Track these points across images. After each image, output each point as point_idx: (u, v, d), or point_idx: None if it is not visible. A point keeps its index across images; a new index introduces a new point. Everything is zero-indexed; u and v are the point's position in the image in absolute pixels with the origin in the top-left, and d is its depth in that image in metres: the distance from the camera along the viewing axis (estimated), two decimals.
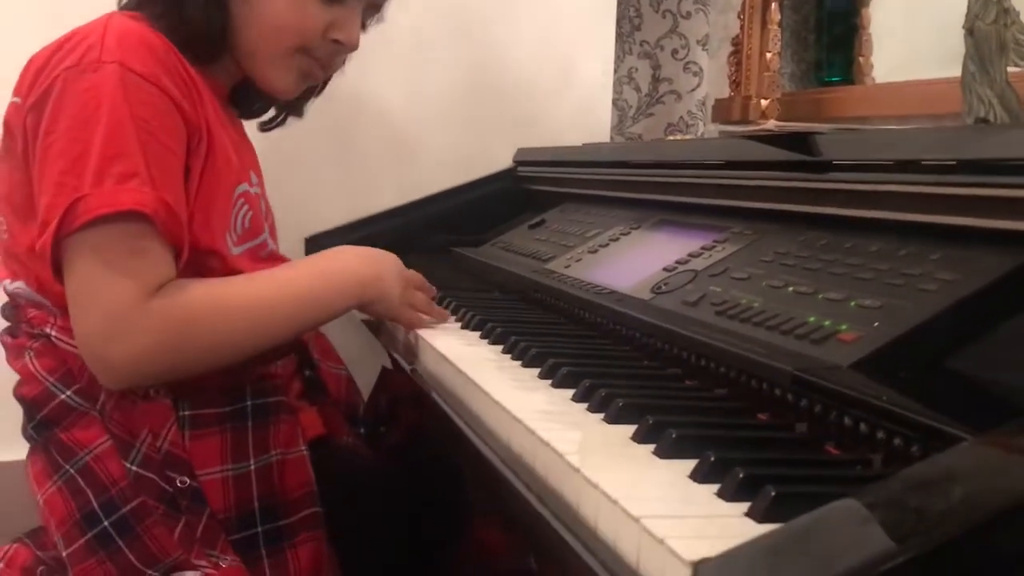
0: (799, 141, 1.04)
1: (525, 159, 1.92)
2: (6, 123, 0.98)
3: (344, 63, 1.16)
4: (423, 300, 1.12)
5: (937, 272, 0.77)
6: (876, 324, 0.76)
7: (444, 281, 1.42)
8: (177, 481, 0.94)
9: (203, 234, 0.97)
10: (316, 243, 1.82)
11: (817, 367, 0.70)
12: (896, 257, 0.84)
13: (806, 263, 0.93)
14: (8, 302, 1.03)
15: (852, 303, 0.81)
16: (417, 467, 1.15)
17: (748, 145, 1.13)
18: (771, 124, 1.10)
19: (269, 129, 1.23)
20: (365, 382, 1.30)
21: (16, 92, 0.97)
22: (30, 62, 0.97)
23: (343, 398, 1.18)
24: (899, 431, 0.60)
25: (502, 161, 1.98)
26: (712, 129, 2.17)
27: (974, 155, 0.80)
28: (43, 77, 0.93)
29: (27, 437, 1.01)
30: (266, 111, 1.22)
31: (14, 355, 1.01)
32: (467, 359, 0.91)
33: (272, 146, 1.73)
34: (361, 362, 1.35)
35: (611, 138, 2.18)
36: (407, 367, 1.06)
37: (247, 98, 1.18)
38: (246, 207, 1.04)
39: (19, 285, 0.99)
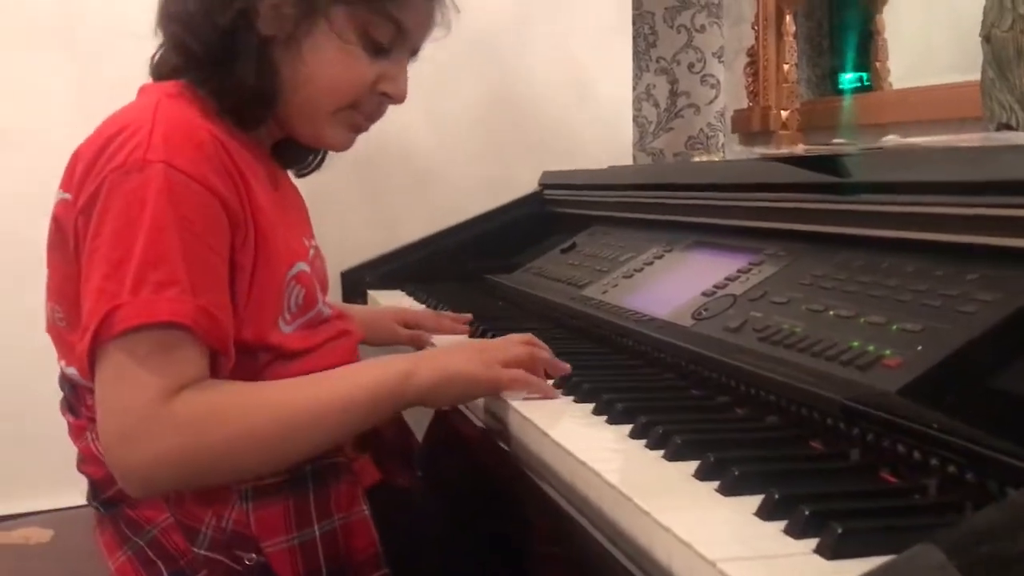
0: (829, 163, 1.07)
1: (551, 182, 1.96)
2: (56, 218, 0.98)
3: (386, 110, 1.16)
4: (521, 351, 0.99)
5: (976, 293, 0.80)
6: (919, 348, 0.78)
7: (480, 310, 1.46)
8: (245, 559, 0.95)
9: (253, 327, 0.96)
10: (351, 277, 1.87)
11: (866, 395, 0.73)
12: (933, 278, 0.87)
13: (844, 285, 0.96)
14: (66, 381, 1.04)
15: (894, 327, 0.83)
16: (476, 507, 1.17)
17: (778, 167, 1.16)
18: (800, 149, 1.12)
19: (306, 174, 1.24)
20: (415, 419, 1.33)
21: (65, 187, 0.97)
22: (77, 155, 0.96)
23: (396, 440, 1.19)
24: (952, 458, 0.63)
25: (526, 183, 2.01)
26: (736, 146, 2.20)
27: (1006, 175, 0.83)
28: (92, 177, 0.92)
29: (94, 507, 1.03)
30: (315, 163, 1.21)
31: (76, 434, 1.03)
32: (519, 395, 0.94)
33: (301, 182, 1.77)
34: None
35: (633, 155, 2.21)
36: (464, 409, 1.09)
37: (293, 152, 1.17)
38: (298, 287, 1.02)
39: (73, 371, 0.99)
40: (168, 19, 1.03)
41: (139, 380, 0.86)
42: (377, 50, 1.04)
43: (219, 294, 0.91)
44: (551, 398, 0.94)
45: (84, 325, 0.89)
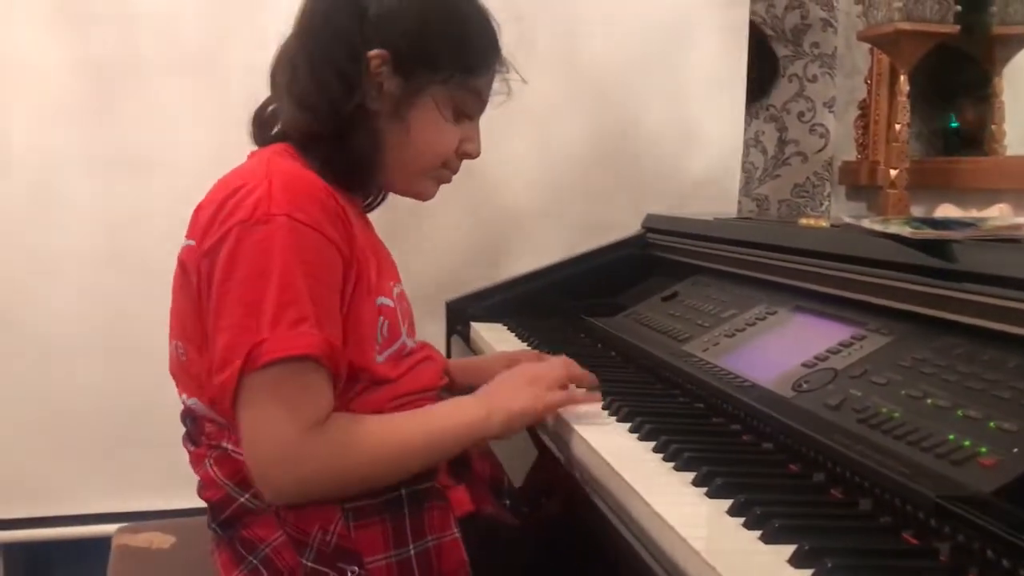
0: (937, 247, 1.09)
1: (654, 226, 1.99)
2: (182, 262, 1.10)
3: None
4: (561, 372, 1.20)
5: None
6: (1016, 450, 0.81)
7: (580, 353, 1.51)
8: (348, 572, 1.05)
9: (355, 352, 1.08)
10: (455, 307, 1.94)
11: (959, 496, 0.76)
12: None
13: (944, 373, 0.98)
14: (188, 414, 1.16)
15: (991, 423, 0.86)
16: (571, 549, 1.23)
17: (885, 245, 1.18)
18: (907, 232, 1.15)
19: (372, 210, 1.33)
20: (510, 454, 1.39)
21: (190, 235, 1.10)
22: (200, 208, 1.09)
23: (487, 473, 1.27)
24: None
25: (629, 222, 2.06)
26: (842, 199, 2.21)
27: None
28: (215, 227, 1.04)
29: (212, 530, 1.14)
30: (377, 202, 1.32)
31: (196, 462, 1.15)
32: (621, 458, 0.99)
33: (411, 214, 1.86)
34: (516, 442, 1.43)
35: (739, 200, 2.23)
36: (559, 455, 1.15)
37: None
38: (382, 318, 1.14)
39: (195, 401, 1.12)
40: (291, 93, 1.15)
41: (287, 409, 1.00)
42: (461, 118, 1.21)
43: (337, 327, 1.05)
44: (597, 401, 1.19)
45: (223, 359, 1.01)
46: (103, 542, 1.49)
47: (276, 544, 1.08)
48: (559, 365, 1.21)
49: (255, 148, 1.21)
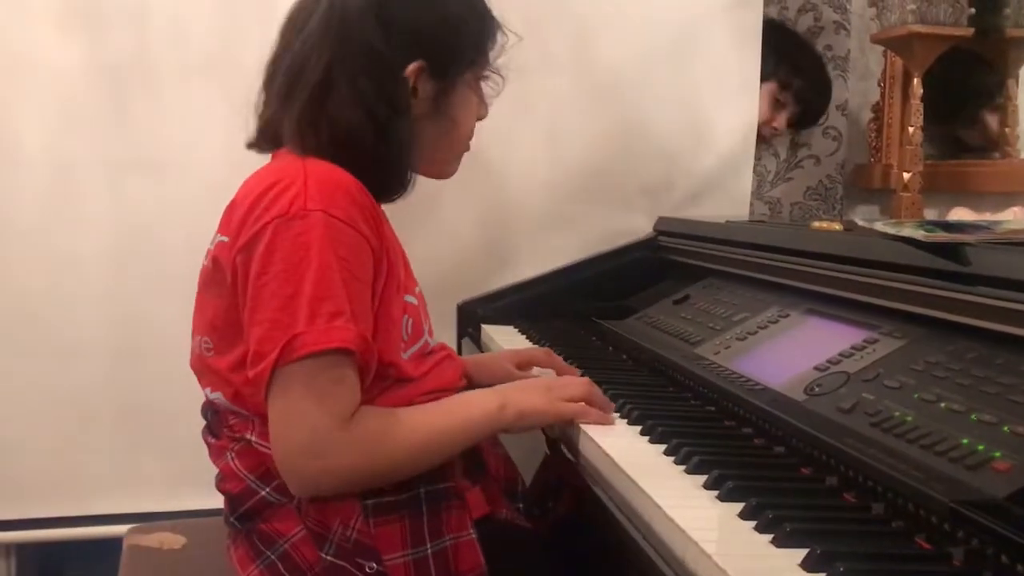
0: (951, 250, 1.09)
1: (666, 229, 1.99)
2: (215, 258, 1.11)
3: None
4: (580, 390, 1.18)
5: None
6: None
7: (591, 356, 1.51)
8: (367, 567, 1.06)
9: (384, 348, 1.09)
10: (466, 309, 1.94)
11: (973, 501, 0.76)
12: None
13: (957, 377, 0.98)
14: (209, 407, 1.17)
15: (1005, 427, 0.86)
16: (578, 547, 1.23)
17: (898, 248, 1.18)
18: (920, 236, 1.15)
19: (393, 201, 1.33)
20: (518, 456, 1.39)
21: (223, 231, 1.11)
22: (233, 205, 1.11)
23: (502, 475, 1.27)
24: None
25: (640, 225, 2.05)
26: (855, 202, 2.20)
27: None
28: (251, 222, 1.05)
29: (230, 524, 1.15)
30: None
31: (216, 454, 1.16)
32: (632, 462, 0.99)
33: (425, 214, 1.86)
34: (518, 440, 1.43)
35: (751, 203, 2.22)
36: (570, 457, 1.15)
37: None
38: (407, 316, 1.16)
39: (218, 395, 1.13)
40: (323, 119, 1.12)
41: (320, 401, 1.01)
42: (480, 90, 1.24)
43: (369, 322, 1.07)
44: (609, 424, 1.15)
45: (257, 352, 1.03)
46: (115, 542, 1.49)
47: (295, 539, 1.09)
48: (582, 383, 1.20)
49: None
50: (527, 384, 1.21)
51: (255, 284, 1.03)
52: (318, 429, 1.01)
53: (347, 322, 1.02)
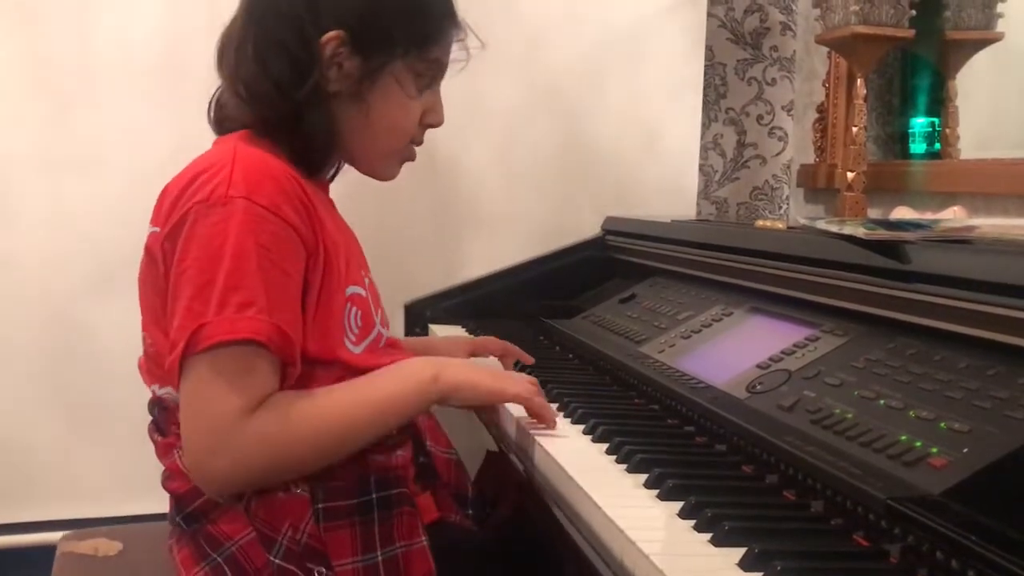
0: (891, 249, 1.09)
1: (613, 228, 1.99)
2: (148, 249, 1.08)
3: None
4: (524, 385, 1.16)
5: None
6: (965, 450, 0.81)
7: (538, 355, 1.50)
8: (316, 572, 1.02)
9: (323, 343, 1.06)
10: (414, 310, 1.92)
11: (909, 498, 0.75)
12: (985, 377, 0.89)
13: (896, 374, 0.98)
14: (157, 403, 1.13)
15: (942, 424, 0.86)
16: (521, 548, 1.22)
17: (840, 246, 1.18)
18: (861, 233, 1.15)
19: (331, 181, 1.29)
20: (469, 459, 1.37)
21: (154, 222, 1.07)
22: (164, 193, 1.07)
23: (453, 481, 1.24)
24: (987, 573, 0.65)
25: (589, 225, 2.05)
26: (801, 200, 2.21)
27: None
28: (177, 209, 1.02)
29: (175, 524, 1.11)
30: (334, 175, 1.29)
31: (163, 452, 1.12)
32: (574, 461, 0.97)
33: (373, 214, 1.83)
34: (468, 444, 1.42)
35: (697, 203, 2.24)
36: (517, 463, 1.13)
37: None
38: (354, 308, 1.12)
39: (167, 391, 1.09)
40: (237, 82, 1.12)
41: (222, 394, 0.98)
42: (423, 89, 1.17)
43: (291, 313, 1.02)
44: (550, 423, 1.11)
45: (173, 340, 1.00)
46: (48, 550, 1.45)
47: (243, 542, 1.04)
48: (527, 379, 1.17)
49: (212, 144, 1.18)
50: (470, 363, 1.18)
51: (175, 272, 1.01)
52: (220, 421, 0.97)
53: (259, 312, 0.98)
